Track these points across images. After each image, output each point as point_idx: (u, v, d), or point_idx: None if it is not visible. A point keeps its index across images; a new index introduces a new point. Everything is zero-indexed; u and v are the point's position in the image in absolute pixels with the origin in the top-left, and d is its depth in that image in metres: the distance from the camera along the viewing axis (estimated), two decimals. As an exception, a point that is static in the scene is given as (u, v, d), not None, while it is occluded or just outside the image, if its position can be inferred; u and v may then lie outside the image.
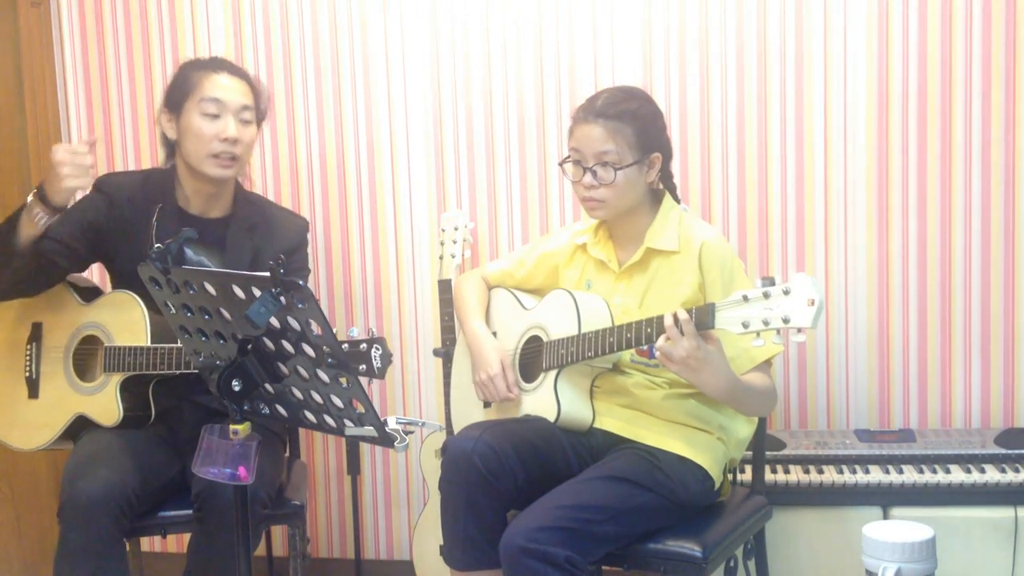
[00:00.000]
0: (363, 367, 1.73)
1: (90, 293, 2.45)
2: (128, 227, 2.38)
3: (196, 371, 2.24)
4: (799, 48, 2.71)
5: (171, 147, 2.44)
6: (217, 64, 2.42)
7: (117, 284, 2.44)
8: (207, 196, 2.43)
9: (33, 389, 2.44)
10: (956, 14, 2.64)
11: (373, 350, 1.72)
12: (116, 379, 2.32)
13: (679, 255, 2.18)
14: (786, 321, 1.78)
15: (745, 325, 1.83)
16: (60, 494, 2.16)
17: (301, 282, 1.58)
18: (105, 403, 2.33)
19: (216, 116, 2.35)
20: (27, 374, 2.44)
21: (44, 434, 2.42)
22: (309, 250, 2.67)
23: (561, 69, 2.84)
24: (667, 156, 2.23)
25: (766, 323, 1.80)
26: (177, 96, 2.39)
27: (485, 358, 2.30)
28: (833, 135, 2.71)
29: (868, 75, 2.68)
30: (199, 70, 2.39)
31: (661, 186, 2.26)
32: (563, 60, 2.83)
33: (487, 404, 2.39)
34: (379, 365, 1.72)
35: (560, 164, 2.23)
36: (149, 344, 2.29)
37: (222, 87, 2.37)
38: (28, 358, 2.44)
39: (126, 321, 2.33)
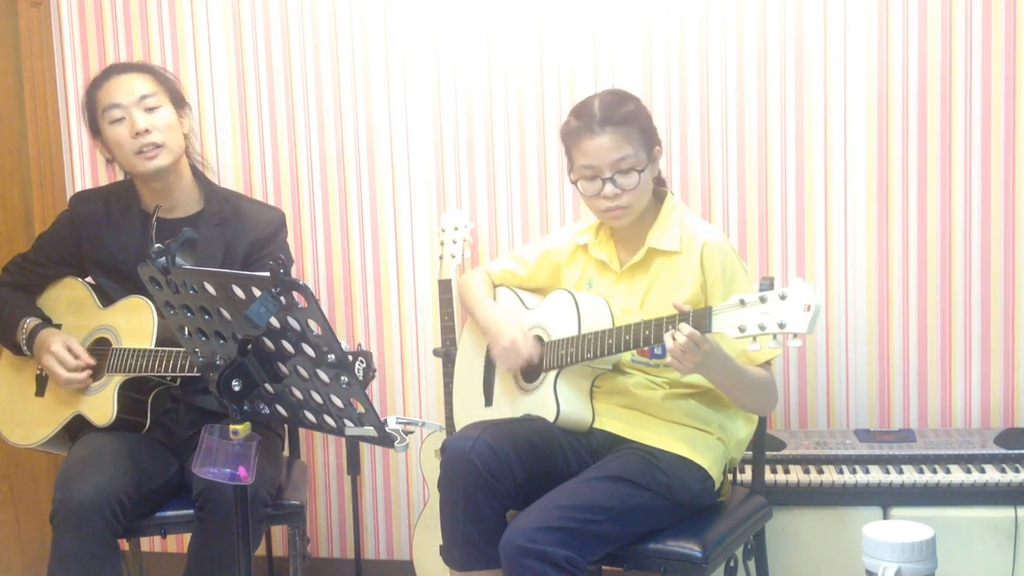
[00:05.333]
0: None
1: (109, 299, 2.47)
2: (92, 238, 2.46)
3: (193, 375, 2.26)
4: (799, 48, 2.71)
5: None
6: (107, 72, 2.46)
7: (97, 292, 2.49)
8: (163, 198, 2.45)
9: (40, 387, 2.46)
10: (956, 14, 2.64)
11: (357, 363, 1.71)
12: (117, 380, 2.33)
13: (681, 255, 2.18)
14: (782, 326, 1.78)
15: (742, 329, 1.83)
16: (52, 499, 2.16)
17: (301, 282, 1.58)
18: (101, 403, 2.34)
19: (122, 119, 2.38)
20: (38, 372, 2.46)
21: (41, 431, 2.42)
22: (308, 248, 2.66)
23: (561, 69, 2.83)
24: (660, 149, 2.25)
25: (762, 328, 1.80)
26: (90, 120, 2.45)
27: (502, 329, 2.29)
28: (833, 135, 2.71)
29: (868, 75, 2.68)
30: (95, 87, 2.44)
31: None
32: (563, 60, 2.83)
33: (489, 403, 2.39)
34: (360, 379, 1.71)
35: (574, 183, 2.21)
36: (153, 347, 2.30)
37: (115, 90, 2.39)
38: None
39: (136, 324, 2.35)
